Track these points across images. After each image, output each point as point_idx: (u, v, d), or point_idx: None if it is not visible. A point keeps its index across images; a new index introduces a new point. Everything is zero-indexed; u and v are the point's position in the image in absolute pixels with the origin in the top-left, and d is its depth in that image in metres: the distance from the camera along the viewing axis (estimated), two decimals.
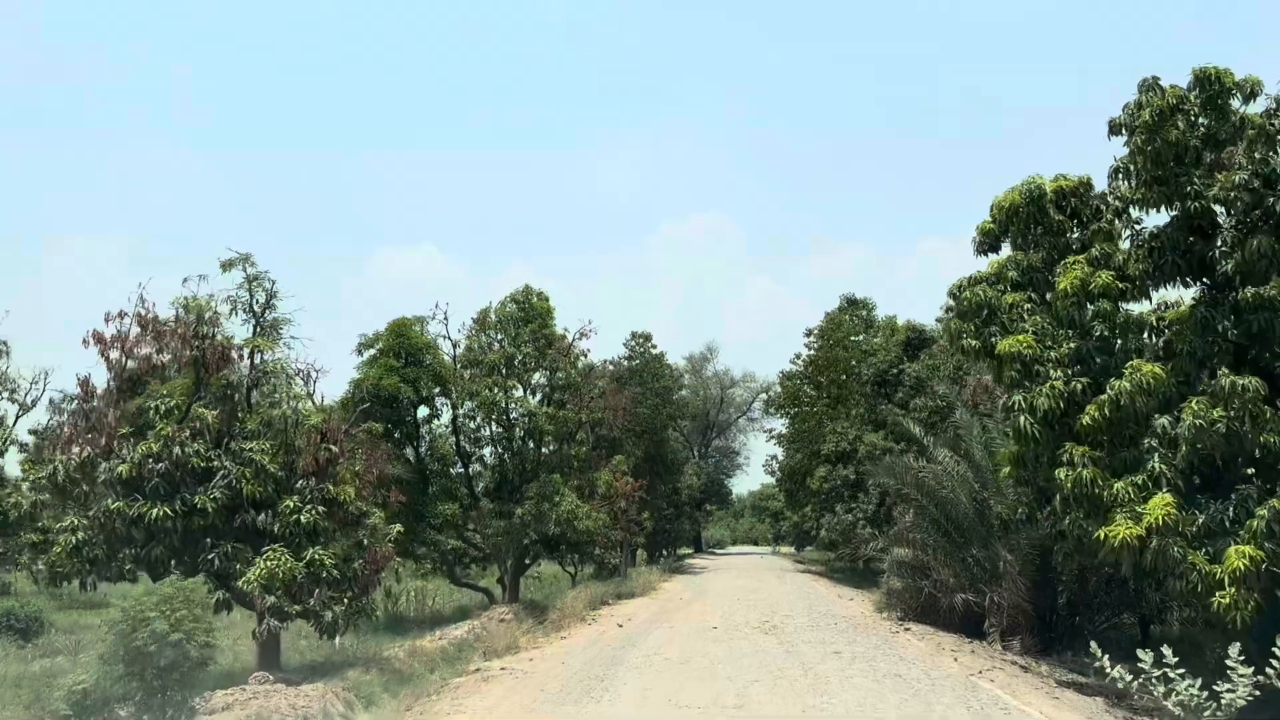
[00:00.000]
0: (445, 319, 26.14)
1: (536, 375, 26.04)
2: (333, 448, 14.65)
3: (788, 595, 29.88)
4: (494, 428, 25.91)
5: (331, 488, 14.44)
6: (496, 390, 24.23)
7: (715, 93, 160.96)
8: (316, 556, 13.61)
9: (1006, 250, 16.08)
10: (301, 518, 13.80)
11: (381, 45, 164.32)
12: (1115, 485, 11.63)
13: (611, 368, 45.59)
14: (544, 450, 26.18)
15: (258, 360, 15.88)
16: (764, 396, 52.51)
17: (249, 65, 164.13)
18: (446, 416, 26.75)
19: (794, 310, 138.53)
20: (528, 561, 27.01)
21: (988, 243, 16.05)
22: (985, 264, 15.83)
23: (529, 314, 26.29)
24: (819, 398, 45.10)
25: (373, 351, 25.30)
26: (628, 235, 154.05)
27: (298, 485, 14.33)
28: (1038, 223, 15.19)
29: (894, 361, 36.95)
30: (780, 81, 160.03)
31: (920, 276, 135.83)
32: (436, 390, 25.72)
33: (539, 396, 26.08)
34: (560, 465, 26.78)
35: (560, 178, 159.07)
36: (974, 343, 14.26)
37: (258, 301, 16.25)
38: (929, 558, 18.90)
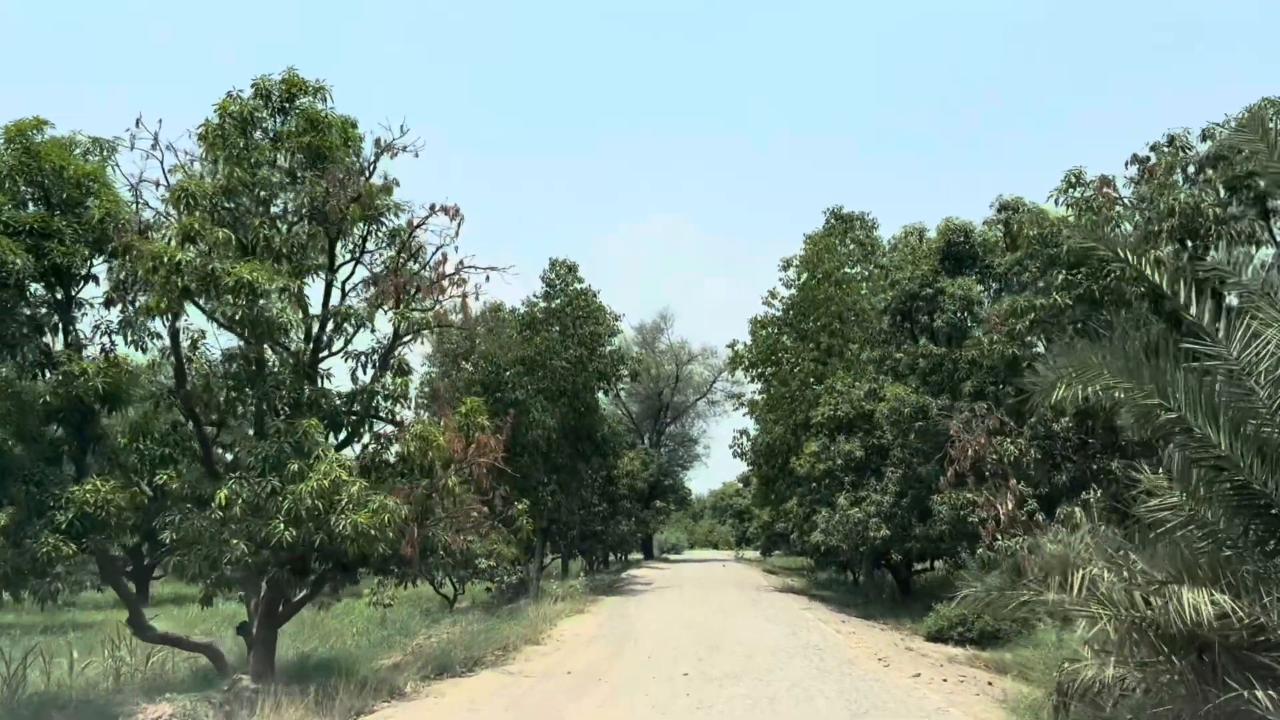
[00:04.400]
0: (156, 145, 13.42)
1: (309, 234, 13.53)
2: None
3: (778, 656, 16.93)
4: (229, 339, 13.25)
5: None
6: (186, 251, 11.60)
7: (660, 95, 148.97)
8: None
9: None
10: None
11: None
12: None
13: (524, 309, 33.16)
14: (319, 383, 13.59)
15: None
16: (729, 353, 39.78)
17: None
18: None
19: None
20: (305, 592, 14.53)
21: None
22: None
23: (299, 123, 13.83)
24: (804, 349, 33.03)
25: None
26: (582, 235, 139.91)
27: None
28: None
29: (926, 279, 24.95)
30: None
31: None
32: (114, 262, 13.07)
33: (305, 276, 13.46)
34: (362, 412, 14.32)
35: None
36: None
37: None
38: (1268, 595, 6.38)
